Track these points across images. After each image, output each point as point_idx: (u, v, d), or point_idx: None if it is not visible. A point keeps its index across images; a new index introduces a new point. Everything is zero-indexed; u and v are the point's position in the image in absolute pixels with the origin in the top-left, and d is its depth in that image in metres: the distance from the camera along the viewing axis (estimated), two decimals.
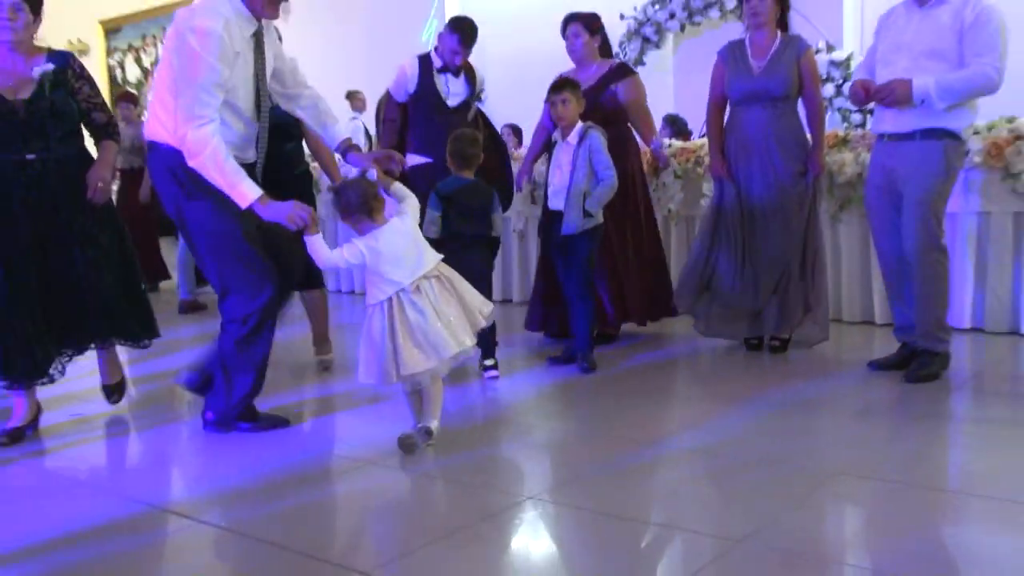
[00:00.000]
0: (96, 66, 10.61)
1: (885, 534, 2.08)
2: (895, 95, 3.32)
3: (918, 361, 3.46)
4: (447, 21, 4.43)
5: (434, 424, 2.82)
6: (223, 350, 2.96)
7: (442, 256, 2.84)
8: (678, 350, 4.33)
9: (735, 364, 3.95)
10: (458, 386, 3.61)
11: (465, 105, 4.34)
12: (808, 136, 3.96)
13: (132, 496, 2.48)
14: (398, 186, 2.91)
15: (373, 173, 2.88)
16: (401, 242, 2.75)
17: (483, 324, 2.88)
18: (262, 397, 3.09)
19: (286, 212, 2.72)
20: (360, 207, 2.74)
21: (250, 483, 2.56)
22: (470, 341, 2.78)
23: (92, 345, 3.23)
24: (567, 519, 2.28)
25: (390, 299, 2.71)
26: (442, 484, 2.61)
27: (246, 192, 2.72)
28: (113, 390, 3.40)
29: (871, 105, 3.57)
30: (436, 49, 4.30)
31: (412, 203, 2.87)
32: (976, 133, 4.14)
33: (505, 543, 2.14)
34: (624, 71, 4.37)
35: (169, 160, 2.82)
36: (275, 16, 2.92)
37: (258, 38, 2.91)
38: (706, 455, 2.70)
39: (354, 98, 8.30)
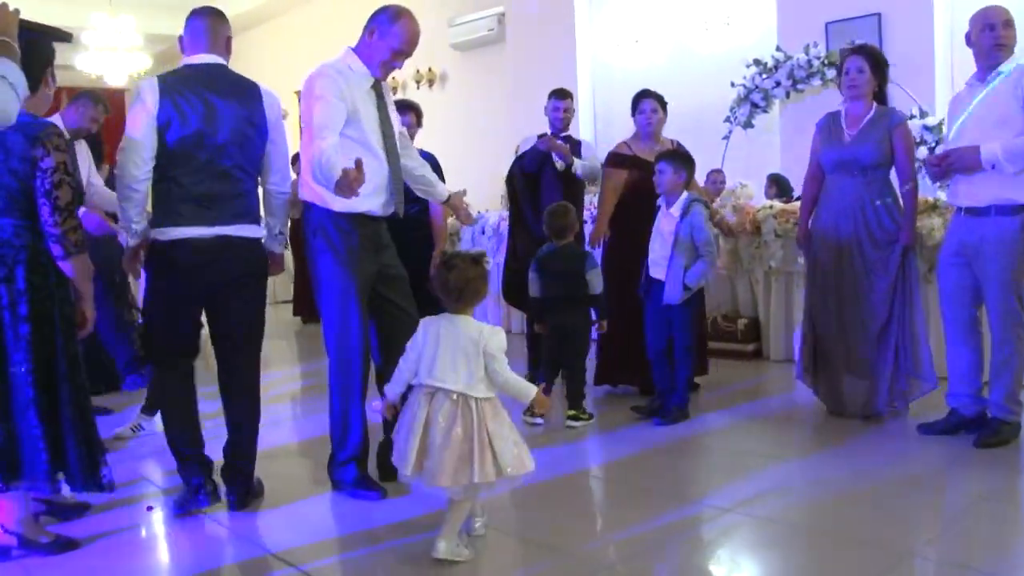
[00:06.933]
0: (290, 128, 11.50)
1: None
2: (963, 160, 3.27)
3: (989, 428, 3.37)
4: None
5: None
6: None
7: (484, 396, 2.40)
8: (758, 408, 4.27)
9: (816, 425, 3.87)
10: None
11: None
12: (900, 205, 3.77)
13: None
14: None
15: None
16: (443, 346, 2.39)
17: (493, 486, 2.41)
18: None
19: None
20: (453, 294, 2.42)
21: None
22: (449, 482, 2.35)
23: None
24: None
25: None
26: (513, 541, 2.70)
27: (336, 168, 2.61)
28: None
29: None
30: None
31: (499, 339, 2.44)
32: None
33: None
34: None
35: (314, 222, 2.99)
36: (383, 77, 3.02)
37: (377, 89, 3.00)
38: (781, 524, 2.72)
39: None
